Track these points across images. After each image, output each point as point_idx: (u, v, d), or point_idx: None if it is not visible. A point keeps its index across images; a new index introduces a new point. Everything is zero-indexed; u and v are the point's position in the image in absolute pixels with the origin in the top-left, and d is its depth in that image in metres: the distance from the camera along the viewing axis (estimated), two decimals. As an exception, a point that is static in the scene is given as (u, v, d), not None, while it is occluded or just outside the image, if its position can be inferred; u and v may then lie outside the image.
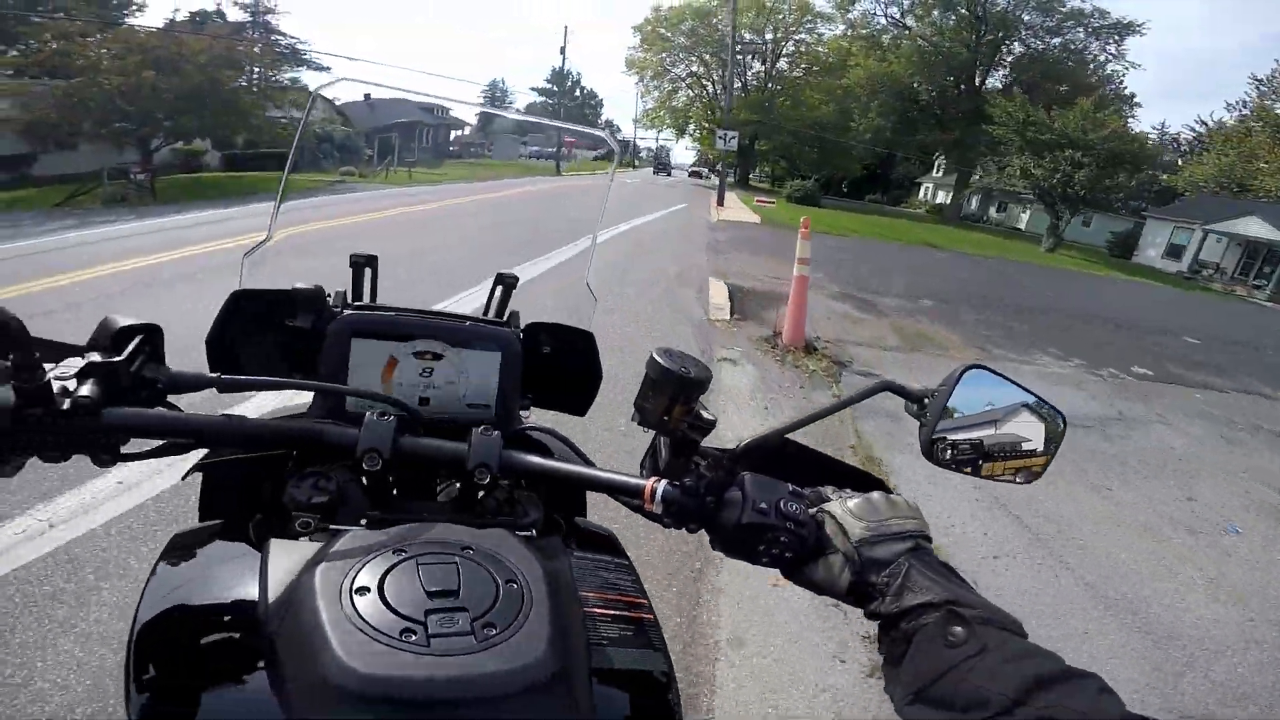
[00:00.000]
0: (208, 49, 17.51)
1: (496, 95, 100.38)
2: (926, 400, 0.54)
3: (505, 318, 0.74)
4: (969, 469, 0.57)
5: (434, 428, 0.58)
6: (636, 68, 42.35)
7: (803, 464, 0.61)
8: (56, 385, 0.43)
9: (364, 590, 0.40)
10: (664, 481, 0.52)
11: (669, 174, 51.33)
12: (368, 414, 0.53)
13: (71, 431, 0.43)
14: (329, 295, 0.66)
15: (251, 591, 0.45)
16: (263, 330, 0.65)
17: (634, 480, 0.54)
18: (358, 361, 0.63)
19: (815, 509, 0.53)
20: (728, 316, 6.01)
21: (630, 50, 42.37)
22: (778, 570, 0.53)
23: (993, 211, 37.13)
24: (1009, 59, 30.21)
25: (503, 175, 28.36)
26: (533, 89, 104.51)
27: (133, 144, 16.56)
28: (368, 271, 0.73)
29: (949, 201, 37.09)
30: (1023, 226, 34.20)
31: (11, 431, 0.41)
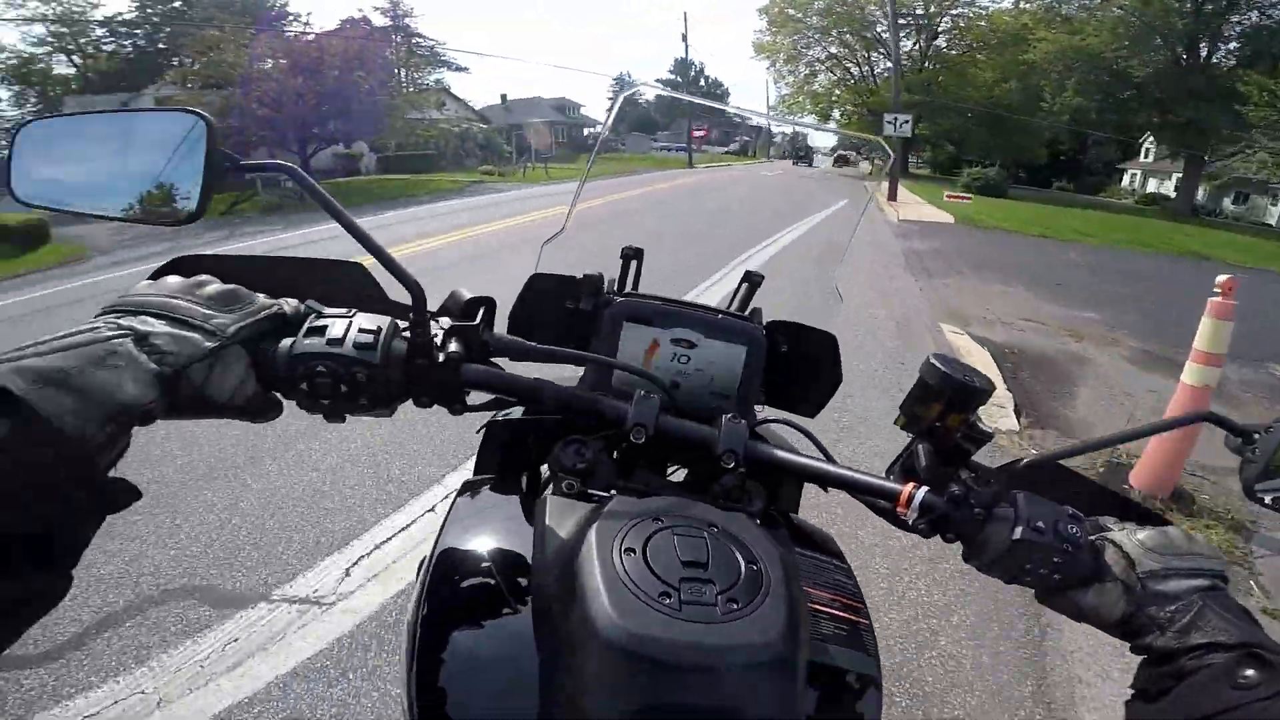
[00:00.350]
0: (357, 53, 17.63)
1: (624, 89, 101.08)
2: (1257, 436, 0.50)
3: (749, 314, 0.74)
4: None
5: (682, 411, 0.60)
6: (766, 52, 39.28)
7: (1077, 493, 0.57)
8: (436, 348, 0.51)
9: (631, 551, 0.43)
10: (924, 489, 0.50)
11: (810, 163, 46.62)
12: (637, 392, 0.57)
13: (438, 381, 0.51)
14: (608, 282, 0.72)
15: (527, 540, 0.52)
16: (550, 309, 0.72)
17: (888, 484, 0.52)
18: (626, 343, 0.68)
19: (1095, 536, 0.50)
20: (1015, 424, 3.48)
21: (757, 34, 39.54)
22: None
23: (1228, 204, 29.87)
24: (1237, 29, 23.67)
25: (637, 169, 27.57)
26: (658, 81, 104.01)
27: (292, 149, 17.11)
28: (634, 264, 0.78)
29: (1172, 191, 30.50)
30: (1273, 222, 27.26)
31: (402, 378, 0.50)
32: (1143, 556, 0.47)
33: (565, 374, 0.66)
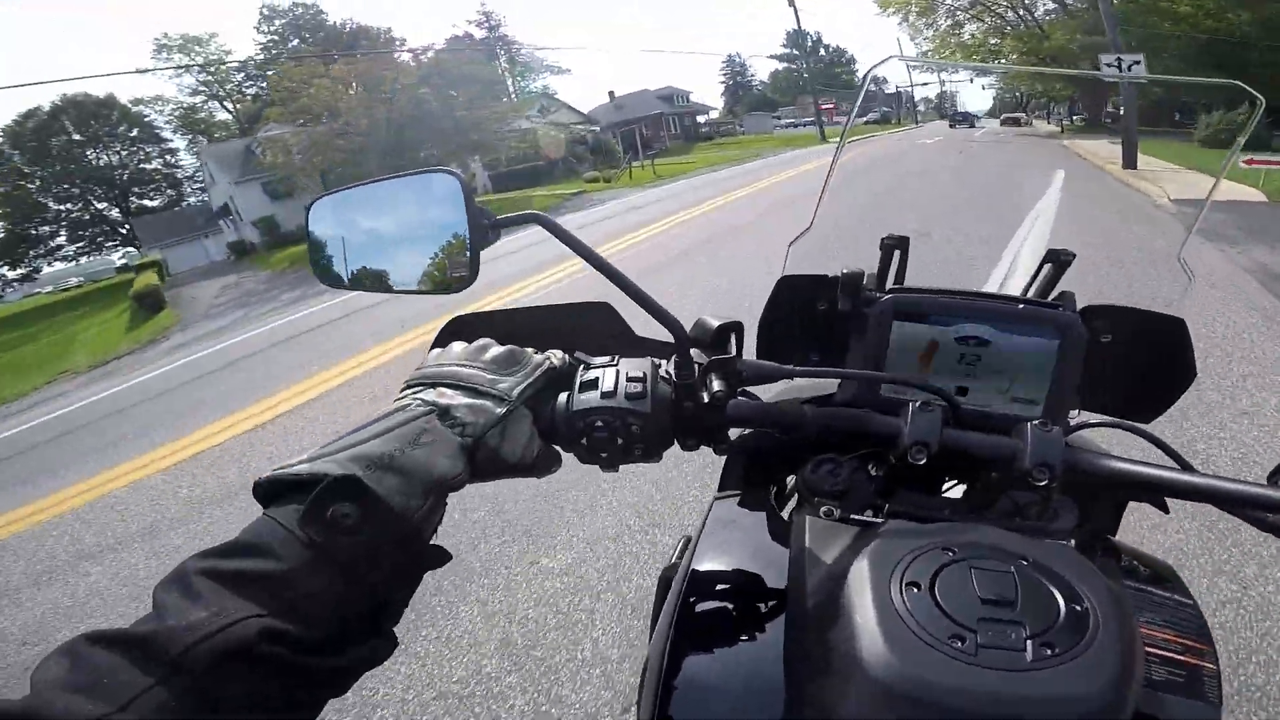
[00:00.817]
0: (460, 70, 16.52)
1: (735, 70, 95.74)
2: None
3: (1059, 300, 0.60)
4: None
5: (984, 426, 0.51)
6: (894, 5, 33.42)
7: None
8: (702, 388, 0.48)
9: (914, 586, 0.38)
10: None
11: (971, 125, 40.44)
12: (911, 404, 0.49)
13: (703, 421, 0.49)
14: (866, 278, 0.63)
15: (781, 562, 0.50)
16: (804, 314, 0.66)
17: (1269, 492, 0.42)
18: (897, 345, 0.59)
19: None
20: None
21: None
22: None
23: None
24: None
25: (762, 152, 24.69)
26: (771, 57, 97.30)
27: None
28: (896, 254, 0.68)
29: None
30: None
31: (671, 423, 0.48)
32: None
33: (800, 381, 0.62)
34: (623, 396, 0.46)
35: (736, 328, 0.53)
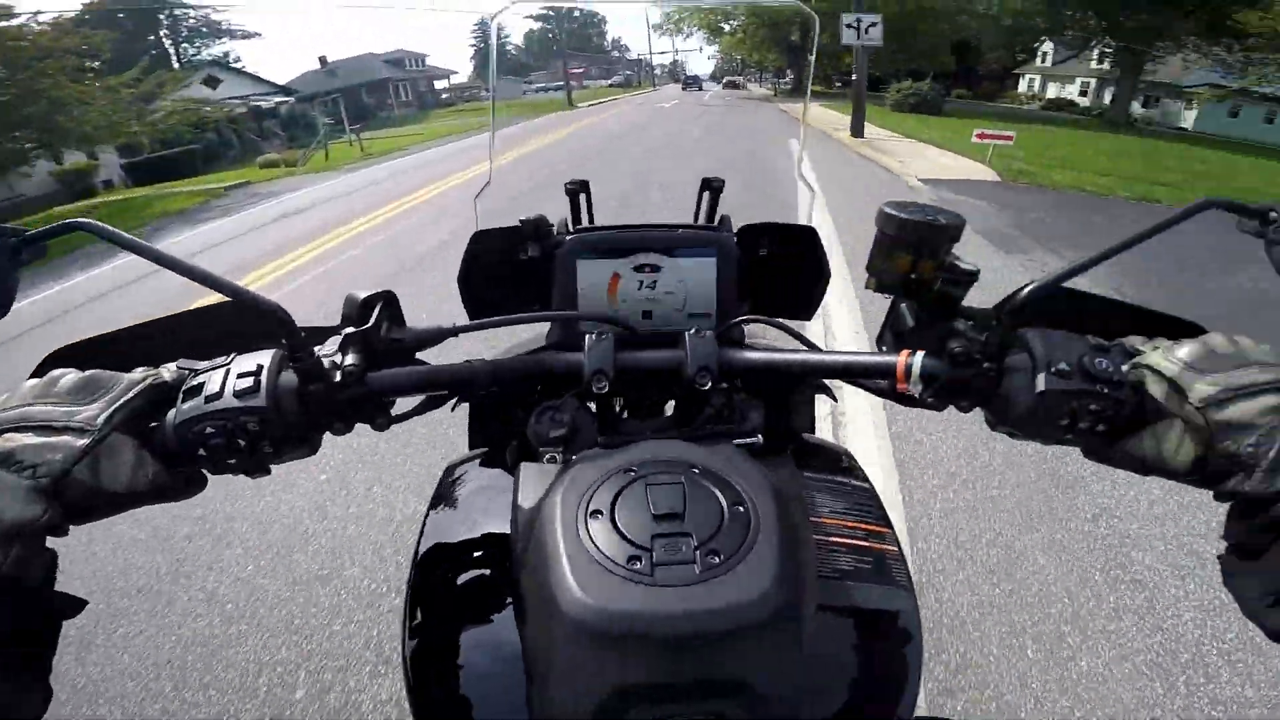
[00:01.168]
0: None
1: (487, 33, 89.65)
2: (1274, 214, 0.43)
3: (717, 222, 0.67)
4: None
5: (657, 343, 0.55)
6: None
7: (1091, 317, 0.49)
8: (326, 361, 0.45)
9: (598, 514, 0.40)
10: (920, 353, 0.45)
11: (700, 88, 44.07)
12: (588, 337, 0.53)
13: (347, 401, 0.46)
14: (553, 224, 0.64)
15: (507, 517, 0.48)
16: (501, 266, 0.65)
17: (881, 358, 0.47)
18: (585, 282, 0.62)
19: (1129, 365, 0.41)
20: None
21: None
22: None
23: (1137, 107, 27.08)
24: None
25: (513, 117, 21.18)
26: (528, 17, 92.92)
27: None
28: (583, 197, 0.72)
29: (1078, 96, 28.17)
30: (1189, 126, 25.03)
31: (301, 411, 0.44)
32: (1194, 381, 0.38)
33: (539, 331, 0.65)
34: (230, 395, 0.42)
35: (386, 297, 0.51)
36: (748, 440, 0.52)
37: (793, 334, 0.61)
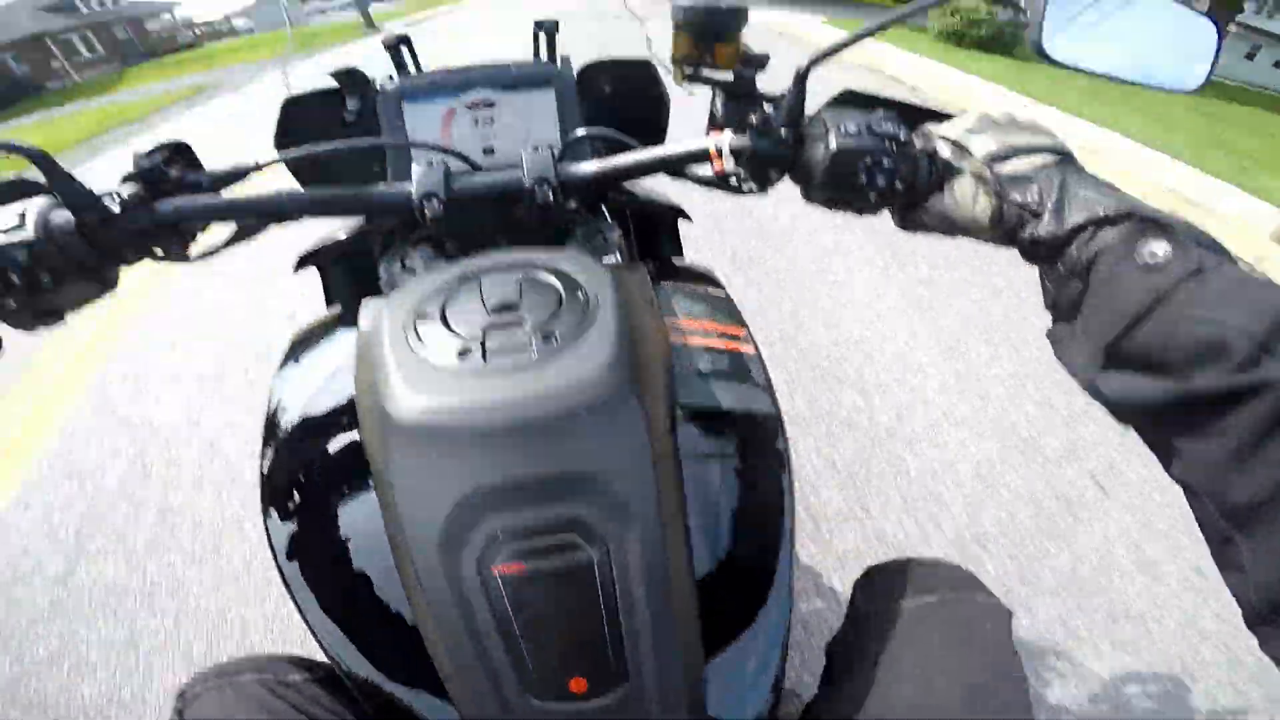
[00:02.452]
0: None
1: None
2: None
3: (559, 63, 0.66)
4: (1101, 70, 0.50)
5: (498, 170, 0.52)
6: None
7: (884, 110, 0.48)
8: (111, 195, 0.44)
9: (425, 316, 0.38)
10: (727, 131, 0.47)
11: None
12: (415, 165, 0.50)
13: (134, 232, 0.44)
14: (373, 80, 0.63)
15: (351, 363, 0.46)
16: (321, 132, 0.59)
17: (696, 144, 0.48)
18: (414, 126, 0.61)
19: (919, 136, 0.44)
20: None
21: None
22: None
23: None
24: None
25: (221, 81, 9.36)
26: None
27: None
28: (405, 52, 0.67)
29: None
30: None
31: (82, 246, 0.43)
32: (976, 140, 0.41)
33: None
34: None
35: (178, 145, 0.49)
36: (606, 260, 0.53)
37: (621, 140, 0.55)
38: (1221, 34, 0.48)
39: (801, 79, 0.43)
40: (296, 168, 0.63)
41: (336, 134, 0.56)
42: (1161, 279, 0.30)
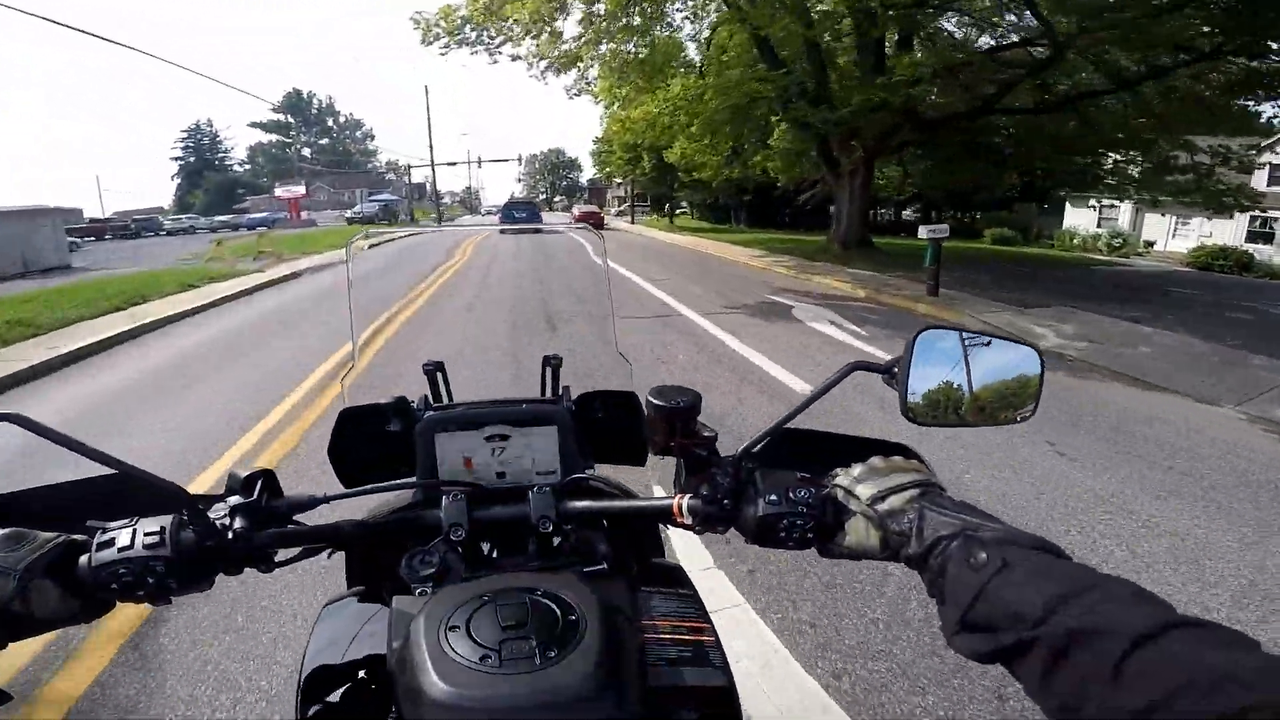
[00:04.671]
0: None
1: (203, 144, 71.31)
2: (895, 369, 0.57)
3: (560, 393, 0.82)
4: (955, 422, 0.60)
5: (509, 497, 0.67)
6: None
7: (816, 448, 0.66)
8: (219, 524, 0.56)
9: (455, 628, 0.48)
10: (687, 496, 0.60)
11: (536, 219, 30.31)
12: (444, 497, 0.64)
13: (238, 553, 0.56)
14: (413, 402, 0.77)
15: (383, 641, 0.56)
16: (367, 438, 0.76)
17: (665, 501, 0.62)
18: (444, 451, 0.74)
19: (828, 488, 0.57)
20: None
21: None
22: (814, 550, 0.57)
23: None
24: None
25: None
26: (253, 124, 73.14)
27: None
28: (439, 375, 0.85)
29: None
30: None
31: (201, 558, 0.54)
32: (861, 488, 0.55)
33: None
34: (140, 548, 0.52)
35: (265, 475, 0.61)
36: (595, 568, 0.63)
37: (614, 485, 0.78)
38: (1043, 361, 0.62)
39: (737, 463, 0.59)
40: (342, 471, 0.78)
41: (378, 441, 0.75)
42: (981, 575, 0.43)
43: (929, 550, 0.48)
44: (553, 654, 0.45)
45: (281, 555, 0.61)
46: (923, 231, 8.10)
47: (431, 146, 40.83)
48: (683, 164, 20.09)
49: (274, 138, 68.98)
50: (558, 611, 0.49)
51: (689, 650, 0.62)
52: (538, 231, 19.43)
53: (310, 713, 0.58)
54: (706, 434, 0.64)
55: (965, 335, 0.59)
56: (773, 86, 12.36)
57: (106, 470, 0.55)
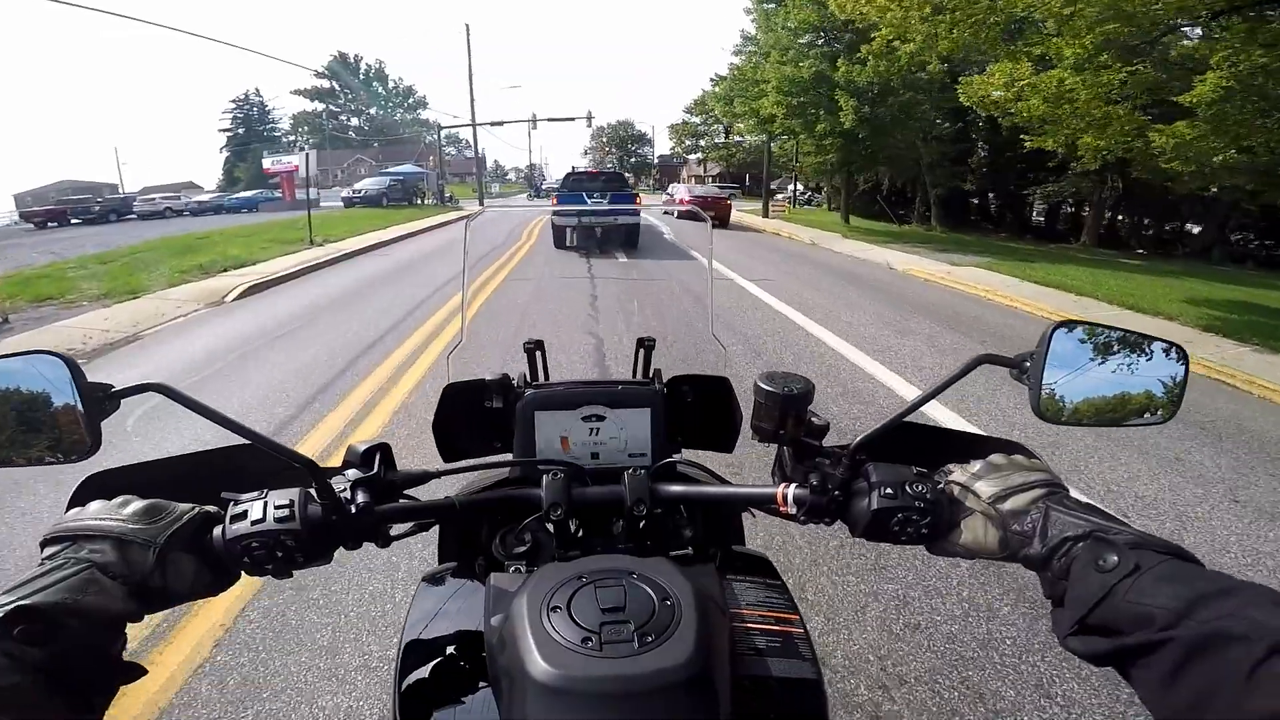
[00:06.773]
0: None
1: (252, 115, 72.46)
2: (1027, 364, 0.56)
3: (650, 375, 0.85)
4: (1089, 422, 0.57)
5: (603, 477, 0.68)
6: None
7: (928, 443, 0.65)
8: (343, 498, 0.57)
9: (557, 609, 0.49)
10: (793, 485, 0.59)
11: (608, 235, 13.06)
12: (545, 476, 0.64)
13: (358, 526, 0.57)
14: (513, 379, 0.80)
15: (479, 616, 0.57)
16: (469, 413, 0.79)
17: (767, 490, 0.61)
18: (541, 428, 0.76)
19: (942, 484, 0.56)
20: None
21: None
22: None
23: None
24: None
25: None
26: (296, 92, 74.32)
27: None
28: (537, 354, 0.90)
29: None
30: None
31: (325, 532, 0.55)
32: (982, 486, 0.54)
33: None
34: (272, 521, 0.53)
35: (383, 448, 0.61)
36: (680, 552, 0.66)
37: (709, 473, 0.77)
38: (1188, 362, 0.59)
39: (853, 455, 0.57)
40: (443, 444, 0.81)
41: (477, 416, 0.78)
42: (1111, 577, 0.43)
43: (1053, 551, 0.48)
44: (650, 639, 0.46)
45: (398, 528, 0.62)
46: None
47: (473, 97, 31.59)
48: (1012, 105, 8.77)
49: (319, 105, 69.21)
50: (654, 596, 0.50)
51: (777, 640, 0.63)
52: (627, 251, 9.69)
53: (408, 682, 0.60)
54: (818, 422, 0.63)
55: (1101, 330, 0.57)
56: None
57: (238, 440, 0.56)
